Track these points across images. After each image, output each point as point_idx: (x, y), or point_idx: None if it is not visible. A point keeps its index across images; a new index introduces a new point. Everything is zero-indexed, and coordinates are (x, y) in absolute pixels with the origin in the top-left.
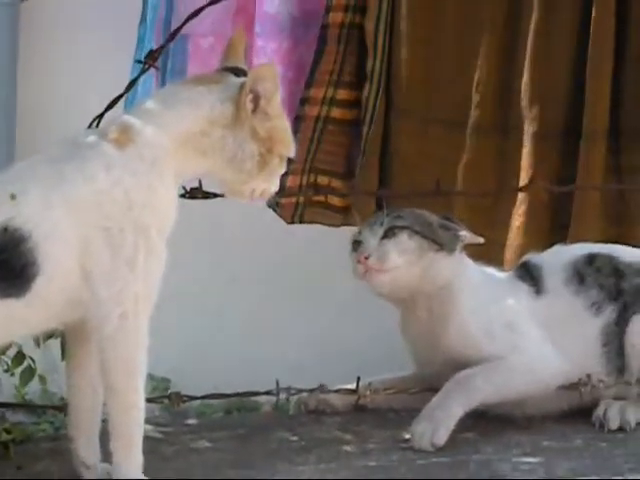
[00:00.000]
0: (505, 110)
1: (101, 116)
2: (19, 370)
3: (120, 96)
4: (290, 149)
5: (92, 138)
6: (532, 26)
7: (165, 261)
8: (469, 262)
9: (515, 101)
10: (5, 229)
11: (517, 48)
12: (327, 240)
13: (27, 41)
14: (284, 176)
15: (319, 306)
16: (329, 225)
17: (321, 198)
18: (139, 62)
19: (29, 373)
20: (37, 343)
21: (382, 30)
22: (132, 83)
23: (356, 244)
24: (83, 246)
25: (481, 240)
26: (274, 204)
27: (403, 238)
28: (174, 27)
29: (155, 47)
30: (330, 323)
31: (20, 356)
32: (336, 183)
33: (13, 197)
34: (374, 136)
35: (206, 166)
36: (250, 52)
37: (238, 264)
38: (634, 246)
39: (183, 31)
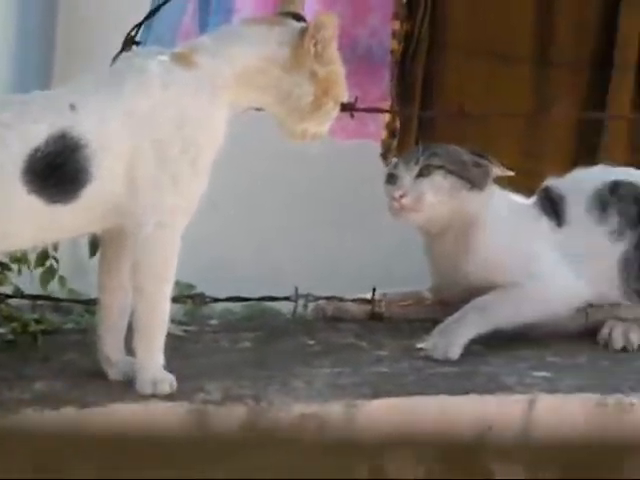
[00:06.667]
0: (541, 42)
1: (140, 25)
2: (41, 270)
3: (158, 8)
4: (345, 93)
5: (159, 55)
6: None
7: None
8: (496, 191)
9: (550, 34)
10: (63, 135)
11: None
12: (349, 153)
13: None
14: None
15: (341, 218)
16: None
17: None
18: None
19: (50, 273)
20: (54, 246)
21: None
22: None
23: (391, 177)
24: (133, 156)
25: (511, 173)
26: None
27: (438, 178)
28: None
29: None
30: (350, 235)
31: (43, 256)
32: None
33: (72, 107)
34: (417, 70)
35: (261, 101)
36: None
37: (261, 174)
38: None
39: None
